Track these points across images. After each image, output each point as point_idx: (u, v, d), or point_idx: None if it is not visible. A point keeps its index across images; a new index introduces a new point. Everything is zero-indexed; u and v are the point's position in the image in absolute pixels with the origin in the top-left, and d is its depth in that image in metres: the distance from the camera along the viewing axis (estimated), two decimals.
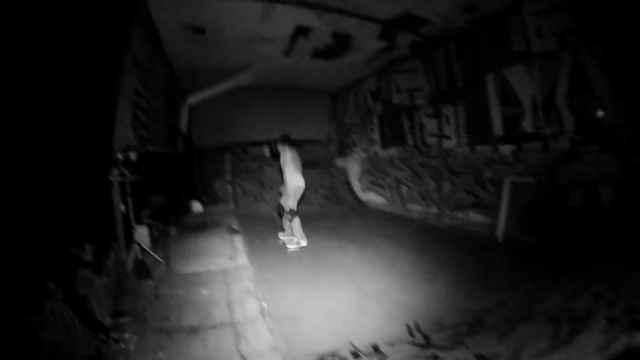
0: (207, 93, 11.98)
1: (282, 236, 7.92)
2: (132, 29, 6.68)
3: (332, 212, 12.09)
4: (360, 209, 12.92)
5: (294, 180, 7.54)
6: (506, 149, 8.04)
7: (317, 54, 10.64)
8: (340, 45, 10.05)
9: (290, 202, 7.52)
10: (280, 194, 8.41)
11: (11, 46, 3.48)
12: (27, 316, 3.51)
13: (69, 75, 4.44)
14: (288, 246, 7.30)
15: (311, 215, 11.04)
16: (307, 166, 15.54)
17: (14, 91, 3.55)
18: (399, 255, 6.80)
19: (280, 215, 7.99)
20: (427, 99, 10.52)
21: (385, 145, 12.70)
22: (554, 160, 6.97)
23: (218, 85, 11.78)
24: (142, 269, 5.54)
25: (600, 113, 6.26)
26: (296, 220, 7.56)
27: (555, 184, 6.91)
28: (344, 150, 15.60)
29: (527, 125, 7.53)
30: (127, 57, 6.50)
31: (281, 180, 8.03)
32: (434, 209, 10.20)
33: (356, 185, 14.44)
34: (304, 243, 7.41)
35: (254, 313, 4.34)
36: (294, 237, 7.56)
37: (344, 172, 15.00)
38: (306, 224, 8.31)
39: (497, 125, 8.23)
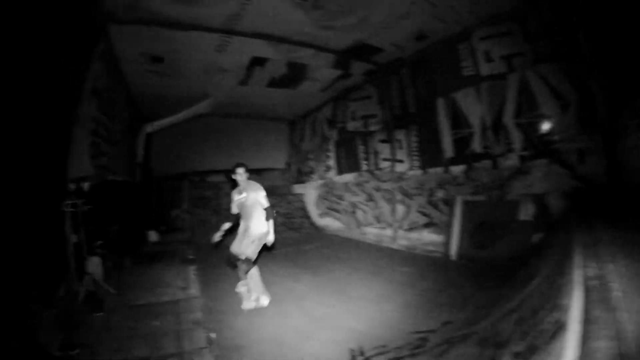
0: (165, 121, 11.62)
1: (240, 287, 5.55)
2: (91, 59, 6.44)
3: (288, 239, 11.48)
4: (317, 234, 12.60)
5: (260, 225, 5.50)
6: (457, 170, 8.10)
7: (273, 83, 10.52)
8: (295, 74, 9.99)
9: (250, 249, 5.36)
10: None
11: None
12: None
13: (19, 103, 4.27)
14: (244, 304, 5.37)
15: None
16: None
17: None
18: (350, 279, 6.59)
19: (234, 266, 5.65)
20: (380, 125, 10.58)
21: (341, 171, 12.62)
22: (504, 177, 7.06)
23: (176, 114, 11.50)
24: (94, 301, 5.25)
25: (546, 129, 6.48)
26: (255, 272, 5.53)
27: (506, 199, 6.97)
28: (301, 177, 15.39)
29: (477, 145, 7.64)
30: (86, 87, 6.31)
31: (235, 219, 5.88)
32: (388, 231, 10.05)
33: (313, 212, 14.16)
34: (264, 301, 5.47)
35: (201, 343, 4.20)
36: (252, 291, 5.51)
37: (301, 198, 14.74)
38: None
39: (448, 148, 8.30)
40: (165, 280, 6.89)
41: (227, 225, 5.78)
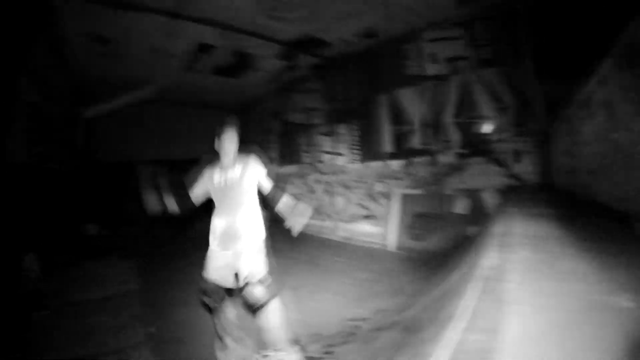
0: (107, 106, 11.05)
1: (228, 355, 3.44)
2: (33, 36, 6.07)
3: None
4: None
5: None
6: (396, 164, 8.32)
7: (219, 71, 10.31)
8: (241, 63, 9.82)
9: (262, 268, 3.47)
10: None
11: None
12: None
13: None
14: None
15: None
16: None
17: None
18: (289, 269, 6.49)
19: (210, 308, 3.48)
20: (323, 118, 10.63)
21: (282, 162, 12.59)
22: (442, 172, 7.37)
23: (118, 99, 10.98)
24: (31, 299, 5.06)
25: (484, 130, 6.84)
26: (278, 312, 3.41)
27: (443, 194, 7.30)
28: None
29: (417, 142, 7.88)
30: (24, 66, 5.93)
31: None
32: (328, 223, 10.20)
33: None
34: None
35: (140, 338, 4.19)
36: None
37: None
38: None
39: (388, 143, 8.52)
40: (105, 275, 6.80)
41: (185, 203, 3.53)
